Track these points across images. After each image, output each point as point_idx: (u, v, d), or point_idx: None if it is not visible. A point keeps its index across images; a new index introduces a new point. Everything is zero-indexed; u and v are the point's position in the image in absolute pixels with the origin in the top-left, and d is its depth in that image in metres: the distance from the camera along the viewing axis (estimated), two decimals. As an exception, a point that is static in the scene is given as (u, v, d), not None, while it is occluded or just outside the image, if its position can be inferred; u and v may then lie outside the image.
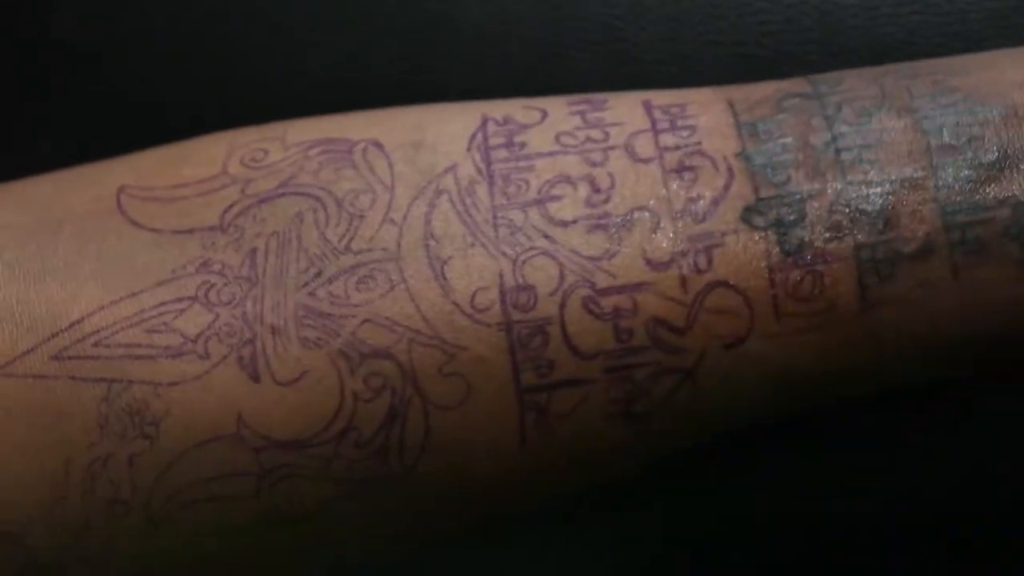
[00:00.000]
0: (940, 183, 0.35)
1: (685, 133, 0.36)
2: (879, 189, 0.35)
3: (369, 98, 0.44)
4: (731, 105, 0.37)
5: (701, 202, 0.35)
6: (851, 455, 0.43)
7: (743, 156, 0.36)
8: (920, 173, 0.35)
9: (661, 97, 0.38)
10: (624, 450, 0.37)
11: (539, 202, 0.36)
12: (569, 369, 0.35)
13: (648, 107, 0.37)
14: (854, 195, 0.35)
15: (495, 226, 0.35)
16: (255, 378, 0.35)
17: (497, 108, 0.38)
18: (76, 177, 0.39)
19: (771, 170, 0.35)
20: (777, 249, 0.35)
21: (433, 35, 0.45)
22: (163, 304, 0.36)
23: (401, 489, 0.36)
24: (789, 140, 0.36)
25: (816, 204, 0.35)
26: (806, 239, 0.35)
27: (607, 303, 0.35)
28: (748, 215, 0.35)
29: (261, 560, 0.37)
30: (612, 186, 0.36)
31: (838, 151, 0.35)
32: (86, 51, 0.46)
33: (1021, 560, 0.43)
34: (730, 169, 0.36)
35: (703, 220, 0.35)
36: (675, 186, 0.36)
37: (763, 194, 0.35)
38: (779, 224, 0.35)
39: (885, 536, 0.43)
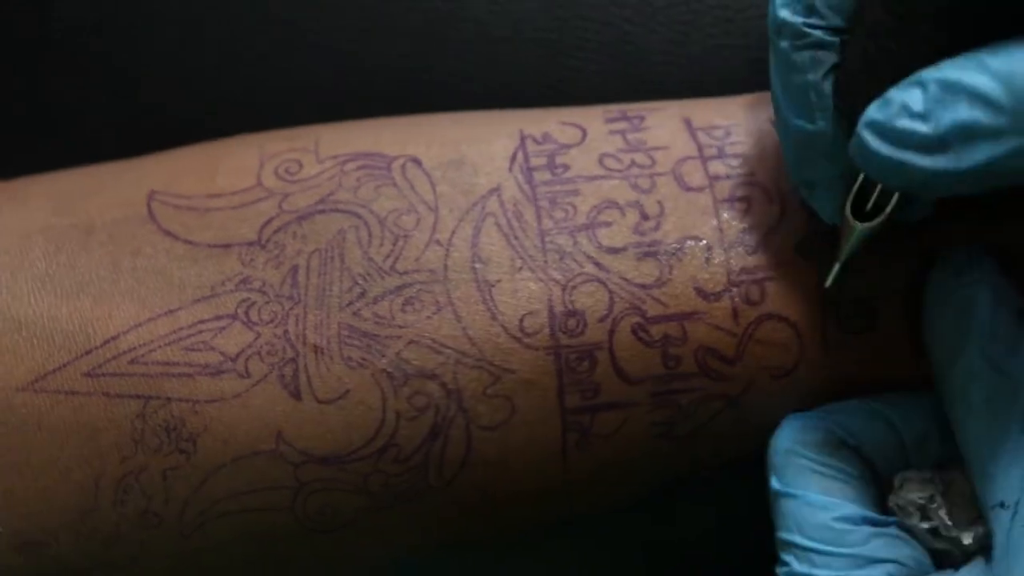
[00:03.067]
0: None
1: (735, 163, 0.37)
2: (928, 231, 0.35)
3: (375, 96, 0.44)
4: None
5: (754, 233, 0.36)
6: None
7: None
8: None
9: (700, 114, 0.38)
10: (663, 468, 0.37)
11: (588, 227, 0.36)
12: (615, 393, 0.35)
13: (691, 129, 0.37)
14: (905, 233, 0.35)
15: (543, 251, 0.35)
16: (296, 396, 0.35)
17: (533, 123, 0.38)
18: (104, 178, 0.38)
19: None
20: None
21: (440, 34, 0.45)
22: (202, 322, 0.35)
23: (437, 501, 0.36)
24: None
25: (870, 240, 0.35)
26: (860, 272, 0.35)
27: (657, 330, 0.35)
28: (802, 248, 0.35)
29: (295, 567, 0.37)
30: (661, 214, 0.36)
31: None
32: (86, 51, 0.46)
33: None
34: (783, 201, 0.36)
35: (755, 252, 0.35)
36: (726, 216, 0.36)
37: (815, 226, 0.35)
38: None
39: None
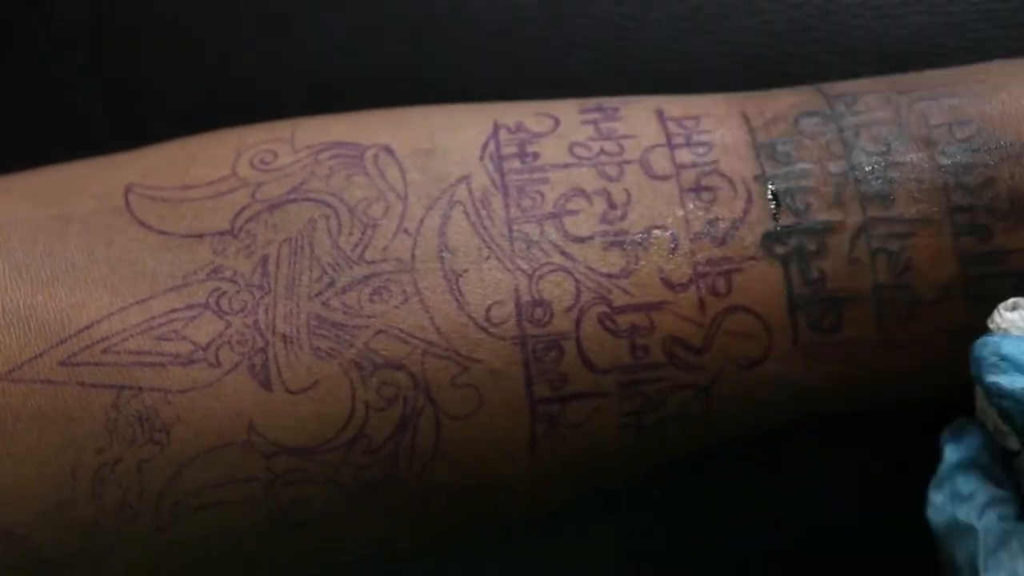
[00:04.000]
0: (957, 229, 0.35)
1: (701, 150, 0.36)
2: (899, 229, 0.35)
3: (372, 94, 0.44)
4: (746, 120, 0.37)
5: (720, 224, 0.35)
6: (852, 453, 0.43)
7: (762, 180, 0.36)
8: (938, 216, 0.35)
9: (674, 106, 0.38)
10: (633, 458, 0.37)
11: (555, 216, 0.36)
12: (583, 383, 0.35)
13: (662, 119, 0.37)
14: (875, 233, 0.35)
15: (511, 239, 0.35)
16: (266, 386, 0.35)
17: (508, 113, 0.38)
18: (83, 172, 0.39)
19: (791, 196, 0.35)
20: (798, 279, 0.35)
21: (438, 33, 0.45)
22: (173, 311, 0.35)
23: (409, 493, 0.36)
24: (808, 166, 0.36)
25: (837, 237, 0.35)
26: (827, 272, 0.35)
27: (623, 320, 0.35)
28: (768, 242, 0.35)
29: (266, 560, 0.37)
30: (628, 202, 0.36)
31: (857, 181, 0.35)
32: (86, 51, 0.46)
33: None
34: (749, 192, 0.36)
35: (722, 243, 0.35)
36: (692, 206, 0.36)
37: (783, 221, 0.35)
38: (800, 254, 0.35)
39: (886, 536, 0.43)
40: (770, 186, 0.36)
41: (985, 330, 0.34)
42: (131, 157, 0.39)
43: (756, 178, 0.36)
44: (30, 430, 0.35)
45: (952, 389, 0.36)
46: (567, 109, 0.38)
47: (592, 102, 0.38)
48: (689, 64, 0.44)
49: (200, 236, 0.36)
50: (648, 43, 0.44)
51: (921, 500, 0.33)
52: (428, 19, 0.45)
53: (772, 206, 0.35)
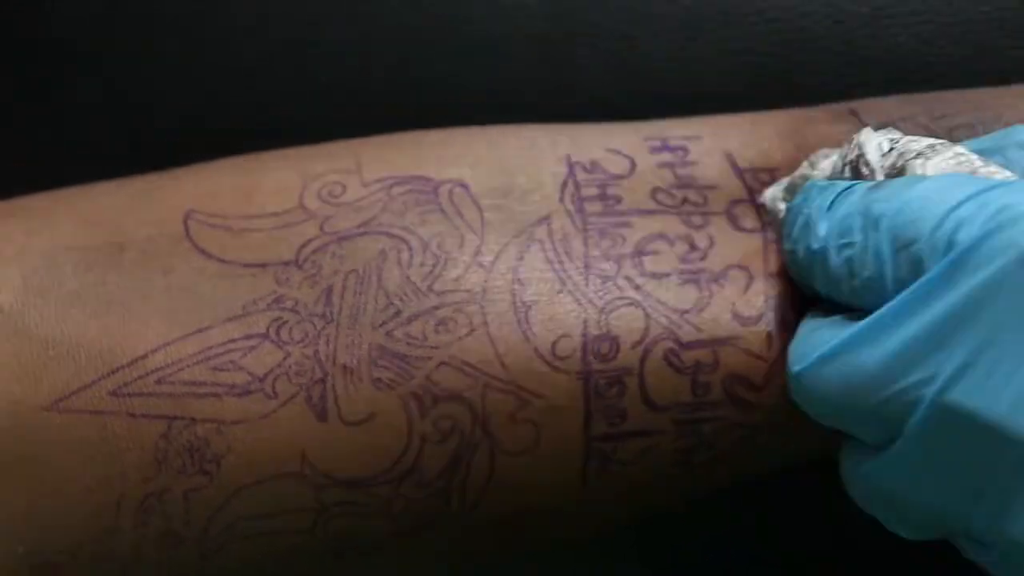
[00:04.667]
0: None
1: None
2: None
3: (374, 97, 0.44)
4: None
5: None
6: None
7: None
8: None
9: (740, 151, 0.38)
10: (680, 491, 0.37)
11: (634, 255, 0.35)
12: (640, 420, 0.35)
13: (737, 169, 0.37)
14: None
15: (586, 275, 0.35)
16: (322, 417, 0.34)
17: (579, 149, 0.37)
18: (140, 194, 0.38)
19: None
20: None
21: (441, 36, 0.44)
22: (231, 341, 0.35)
23: (458, 525, 0.35)
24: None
25: None
26: None
27: (689, 357, 0.35)
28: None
29: None
30: (711, 246, 0.36)
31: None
32: (86, 51, 0.45)
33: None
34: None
35: (794, 280, 0.35)
36: (774, 253, 0.36)
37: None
38: None
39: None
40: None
41: None
42: (186, 180, 0.38)
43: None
44: (76, 459, 0.34)
45: None
46: (636, 146, 0.38)
47: (656, 135, 0.38)
48: (695, 71, 0.44)
49: (263, 266, 0.36)
50: (653, 50, 0.44)
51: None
52: (431, 22, 0.44)
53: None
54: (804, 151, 0.37)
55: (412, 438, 0.34)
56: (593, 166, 0.37)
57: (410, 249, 0.36)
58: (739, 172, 0.37)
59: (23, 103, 0.46)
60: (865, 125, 0.37)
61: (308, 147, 0.39)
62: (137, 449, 0.34)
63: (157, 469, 0.34)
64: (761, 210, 0.36)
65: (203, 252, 0.36)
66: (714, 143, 0.38)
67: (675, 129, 0.38)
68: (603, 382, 0.34)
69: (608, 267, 0.35)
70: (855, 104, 0.39)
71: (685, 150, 0.38)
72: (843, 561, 0.43)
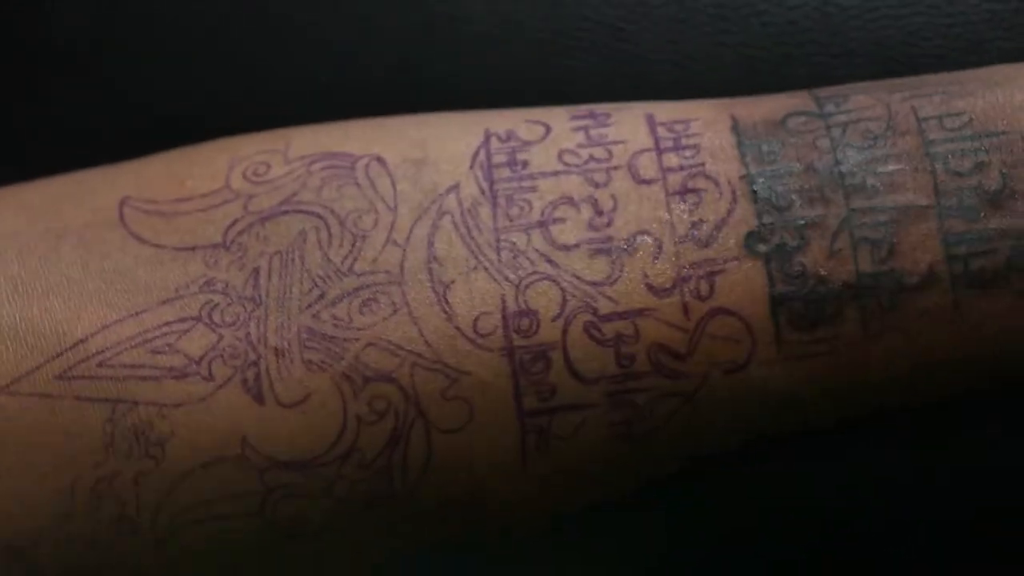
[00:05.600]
0: (943, 212, 0.35)
1: (688, 153, 0.36)
2: (883, 217, 0.35)
3: (370, 98, 0.44)
4: (735, 123, 0.37)
5: (704, 227, 0.35)
6: (847, 454, 0.43)
7: (747, 179, 0.36)
8: (924, 201, 0.35)
9: (664, 111, 0.38)
10: (623, 469, 0.37)
11: (542, 224, 0.36)
12: (571, 394, 0.35)
13: (651, 123, 0.37)
14: (857, 223, 0.35)
15: (498, 249, 0.35)
16: (259, 400, 0.35)
17: (500, 122, 0.38)
18: (78, 185, 0.39)
19: (774, 195, 0.35)
20: (779, 276, 0.35)
21: (436, 35, 0.45)
22: (167, 324, 0.36)
23: (404, 506, 0.36)
24: (794, 164, 0.36)
25: (819, 231, 0.35)
26: (808, 267, 0.35)
27: (609, 329, 0.35)
28: (750, 241, 0.35)
29: (266, 572, 0.37)
30: (615, 208, 0.36)
31: (842, 175, 0.35)
32: (86, 51, 0.46)
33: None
34: (733, 193, 0.36)
35: (706, 246, 0.35)
36: (678, 210, 0.36)
37: (765, 220, 0.35)
38: (781, 250, 0.35)
39: (884, 537, 0.43)
40: (753, 185, 0.35)
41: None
42: (126, 169, 0.39)
43: (741, 178, 0.36)
44: (28, 444, 0.35)
45: (948, 389, 0.36)
46: (559, 116, 0.38)
47: (584, 108, 0.38)
48: (687, 66, 0.44)
49: (193, 249, 0.36)
50: (645, 45, 0.44)
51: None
52: (426, 21, 0.45)
53: (754, 205, 0.35)
54: (730, 111, 0.37)
55: (348, 418, 0.35)
56: (508, 135, 0.37)
57: (328, 228, 0.36)
58: (652, 124, 0.37)
59: (22, 103, 0.47)
60: (822, 98, 0.37)
61: (250, 134, 0.39)
62: (86, 433, 0.35)
63: (106, 453, 0.35)
64: (661, 156, 0.36)
65: (137, 238, 0.37)
66: (642, 108, 0.38)
67: (612, 104, 0.39)
68: (528, 357, 0.35)
69: (518, 239, 0.36)
70: (817, 89, 0.38)
71: (608, 115, 0.38)
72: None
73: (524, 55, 0.45)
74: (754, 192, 0.35)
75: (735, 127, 0.36)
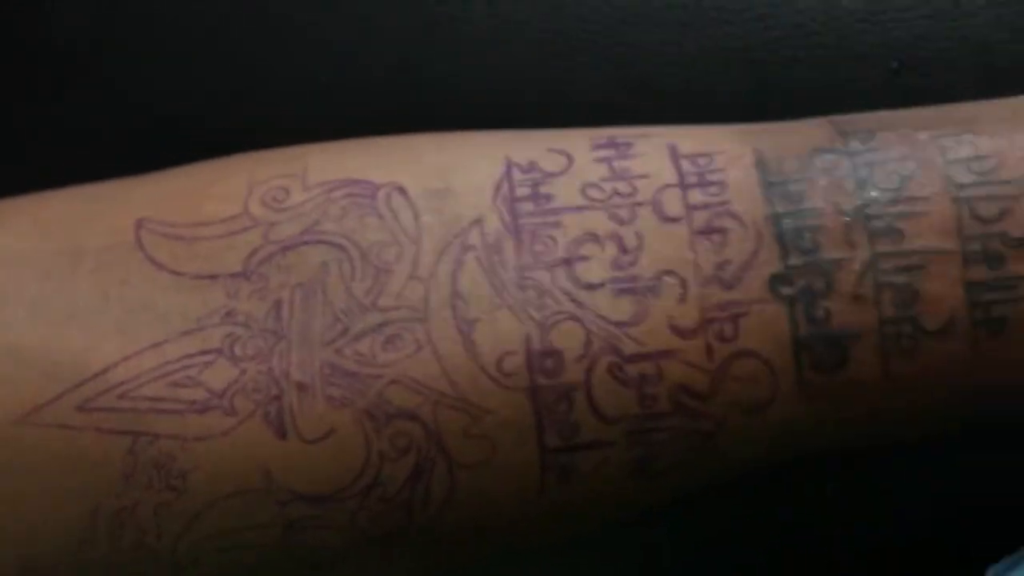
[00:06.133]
0: (968, 258, 0.35)
1: (714, 191, 0.36)
2: (907, 262, 0.35)
3: (370, 98, 0.44)
4: (760, 159, 0.36)
5: (729, 268, 0.35)
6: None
7: (772, 219, 0.36)
8: (949, 246, 0.35)
9: (687, 142, 0.37)
10: (639, 499, 0.37)
11: (567, 262, 0.36)
12: (592, 432, 0.35)
13: (675, 156, 0.37)
14: (882, 267, 0.35)
15: (522, 287, 0.35)
16: (281, 435, 0.35)
17: (522, 150, 0.37)
18: (92, 202, 0.38)
19: (800, 236, 0.35)
20: (803, 319, 0.35)
21: (437, 36, 0.45)
22: (188, 356, 0.36)
23: (423, 537, 0.36)
24: (819, 204, 0.36)
25: (844, 275, 0.35)
26: (832, 311, 0.35)
27: (632, 370, 0.35)
28: (775, 284, 0.35)
29: None
30: (639, 247, 0.36)
31: (868, 218, 0.35)
32: (86, 51, 0.46)
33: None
34: (759, 233, 0.36)
35: (731, 288, 0.35)
36: (703, 249, 0.35)
37: (791, 261, 0.35)
38: (806, 294, 0.35)
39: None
40: (779, 226, 0.35)
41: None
42: (140, 186, 0.39)
43: (767, 218, 0.36)
44: (50, 472, 0.35)
45: (959, 425, 0.36)
46: (580, 145, 0.38)
47: (605, 135, 0.38)
48: (691, 69, 0.44)
49: (213, 277, 0.36)
50: (649, 47, 0.44)
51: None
52: (426, 23, 0.45)
53: (779, 247, 0.35)
54: (754, 143, 0.37)
55: (371, 454, 0.35)
56: (531, 166, 0.37)
57: (351, 260, 0.36)
58: (675, 158, 0.37)
59: (22, 103, 0.46)
60: (848, 133, 0.37)
61: (262, 151, 0.39)
62: (106, 464, 0.35)
63: (126, 483, 0.35)
64: (686, 192, 0.36)
65: (155, 263, 0.37)
66: (665, 137, 0.37)
67: (631, 129, 0.38)
68: (551, 397, 0.35)
69: (542, 277, 0.35)
70: (839, 118, 0.38)
71: (629, 145, 0.37)
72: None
73: (524, 56, 0.44)
74: (780, 233, 0.35)
75: (760, 163, 0.36)
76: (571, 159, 0.37)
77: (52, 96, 0.46)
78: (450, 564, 0.39)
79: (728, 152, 0.37)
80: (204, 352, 0.36)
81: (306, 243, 0.36)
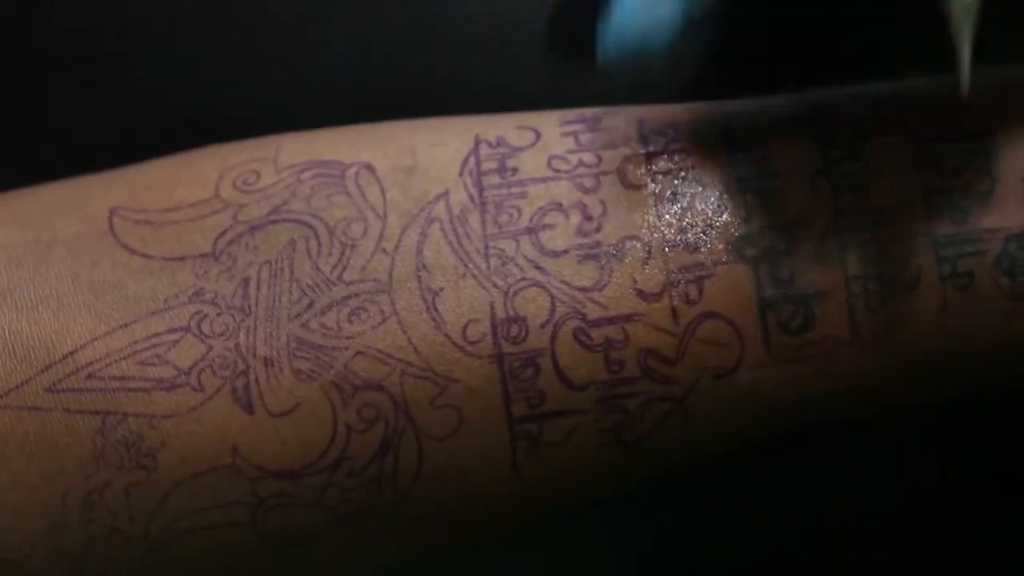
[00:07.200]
0: (933, 212, 0.35)
1: (678, 157, 0.36)
2: (871, 218, 0.35)
3: (370, 98, 0.44)
4: (726, 129, 0.36)
5: (692, 231, 0.35)
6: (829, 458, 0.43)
7: (736, 181, 0.35)
8: (913, 201, 0.35)
9: (654, 114, 0.38)
10: (614, 473, 0.37)
11: (531, 231, 0.36)
12: (560, 400, 0.35)
13: (642, 127, 0.37)
14: (845, 225, 0.35)
15: (486, 256, 0.35)
16: (249, 410, 0.35)
17: (491, 127, 0.38)
18: (69, 193, 0.39)
19: (764, 196, 0.35)
20: (768, 280, 0.35)
21: (436, 34, 0.45)
22: (156, 335, 0.36)
23: (395, 514, 0.36)
24: (779, 165, 0.35)
25: (808, 233, 0.35)
26: (797, 271, 0.35)
27: (598, 334, 0.35)
28: (739, 245, 0.35)
29: None
30: (604, 214, 0.36)
31: (832, 176, 0.35)
32: (86, 51, 0.46)
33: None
34: (722, 196, 0.35)
35: (695, 250, 0.35)
36: (666, 213, 0.35)
37: (753, 223, 0.35)
38: (770, 254, 0.35)
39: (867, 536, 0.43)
40: (742, 187, 0.35)
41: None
42: (116, 177, 0.39)
43: (730, 182, 0.35)
44: (19, 457, 0.35)
45: (936, 390, 0.36)
46: (549, 121, 0.38)
47: (575, 113, 0.38)
48: (691, 66, 0.44)
49: (182, 259, 0.36)
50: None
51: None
52: (426, 21, 0.45)
53: (744, 209, 0.35)
54: (723, 115, 0.37)
55: (337, 427, 0.35)
56: (499, 141, 0.37)
57: (317, 237, 0.36)
58: (642, 128, 0.37)
59: (22, 106, 0.46)
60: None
61: (239, 141, 0.39)
62: (76, 445, 0.35)
63: (96, 465, 0.35)
64: (651, 160, 0.36)
65: (126, 247, 0.37)
66: (634, 112, 0.38)
67: (603, 108, 0.38)
68: (517, 364, 0.35)
69: (506, 246, 0.35)
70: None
71: (598, 119, 0.38)
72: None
73: (524, 55, 0.44)
74: (743, 195, 0.35)
75: (726, 131, 0.36)
76: (539, 134, 0.37)
77: (52, 96, 0.47)
78: (428, 545, 0.38)
79: (694, 120, 0.37)
80: (172, 331, 0.36)
81: (274, 222, 0.36)
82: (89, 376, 0.35)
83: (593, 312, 0.35)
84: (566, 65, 0.45)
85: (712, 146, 0.36)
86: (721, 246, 0.35)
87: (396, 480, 0.35)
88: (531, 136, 0.37)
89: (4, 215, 0.39)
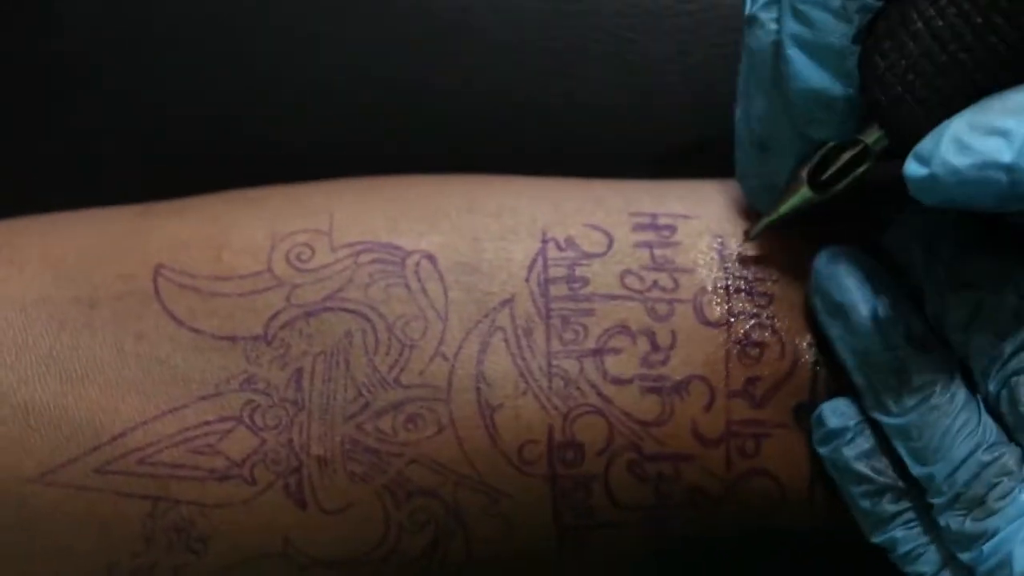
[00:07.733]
0: None
1: (762, 302, 0.36)
2: None
3: (381, 106, 0.43)
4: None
5: (760, 384, 0.36)
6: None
7: (813, 347, 0.36)
8: None
9: (737, 237, 0.37)
10: (644, 564, 0.38)
11: (596, 353, 0.36)
12: (608, 516, 0.36)
13: (722, 254, 0.36)
14: None
15: (549, 375, 0.35)
16: (302, 505, 0.36)
17: (558, 223, 0.37)
18: (106, 243, 0.37)
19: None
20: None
21: (445, 44, 0.44)
22: (207, 423, 0.36)
23: None
24: None
25: None
26: None
27: (652, 468, 0.36)
28: (800, 412, 0.36)
29: None
30: (672, 346, 0.36)
31: None
32: (87, 52, 0.44)
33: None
34: (796, 357, 0.36)
35: (758, 406, 0.36)
36: (737, 361, 0.36)
37: (817, 392, 0.36)
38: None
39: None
40: (817, 356, 0.36)
41: None
42: (156, 227, 0.38)
43: (808, 345, 0.36)
44: (65, 532, 0.36)
45: None
46: (619, 222, 0.37)
47: (646, 212, 0.37)
48: (695, 76, 0.44)
49: (232, 339, 0.36)
50: (653, 54, 0.44)
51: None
52: (434, 31, 0.44)
53: (811, 376, 0.36)
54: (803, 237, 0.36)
55: (389, 527, 0.36)
56: (568, 243, 0.37)
57: (375, 332, 0.36)
58: (722, 256, 0.36)
59: (29, 120, 0.45)
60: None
61: (283, 192, 0.38)
62: (125, 525, 0.36)
63: (146, 545, 0.36)
64: (731, 297, 0.36)
65: (173, 317, 0.36)
66: (706, 225, 0.37)
67: (671, 203, 0.37)
68: (569, 485, 0.36)
69: (570, 367, 0.35)
70: None
71: (672, 229, 0.37)
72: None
73: (531, 65, 0.44)
74: (815, 363, 0.36)
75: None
76: (611, 239, 0.37)
77: (58, 113, 0.45)
78: None
79: (779, 259, 0.36)
80: (223, 419, 0.36)
81: (329, 309, 0.36)
82: (140, 461, 0.35)
83: (649, 447, 0.35)
84: (575, 75, 0.44)
85: (797, 296, 0.36)
86: (783, 408, 0.36)
87: (444, 570, 0.36)
88: (603, 241, 0.37)
89: (30, 255, 0.37)
